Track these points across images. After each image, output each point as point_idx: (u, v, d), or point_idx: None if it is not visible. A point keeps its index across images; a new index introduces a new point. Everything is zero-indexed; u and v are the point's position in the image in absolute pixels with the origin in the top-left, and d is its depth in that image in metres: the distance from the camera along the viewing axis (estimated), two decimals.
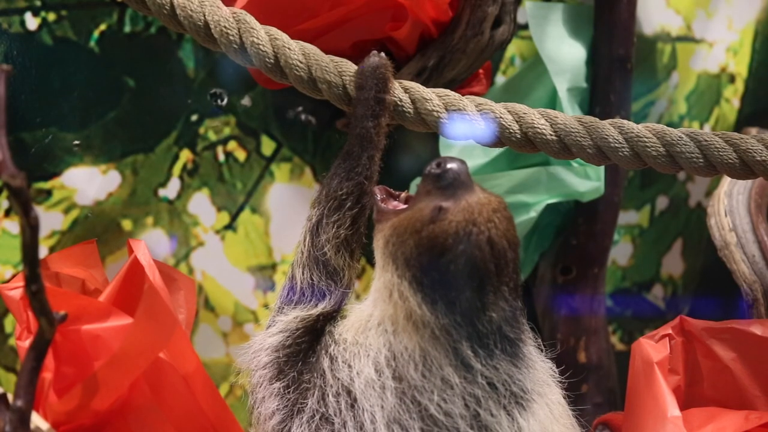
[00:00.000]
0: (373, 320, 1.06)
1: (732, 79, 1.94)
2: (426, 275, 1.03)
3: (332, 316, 1.13)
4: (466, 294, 1.01)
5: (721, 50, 1.92)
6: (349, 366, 1.04)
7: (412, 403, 1.00)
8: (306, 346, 1.09)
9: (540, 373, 1.07)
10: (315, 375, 1.06)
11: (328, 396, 1.04)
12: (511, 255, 1.04)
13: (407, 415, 1.00)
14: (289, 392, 1.08)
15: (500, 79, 1.74)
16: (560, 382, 1.12)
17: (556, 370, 1.12)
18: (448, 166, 1.07)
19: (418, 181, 1.61)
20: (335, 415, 1.03)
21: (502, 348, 1.02)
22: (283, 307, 1.14)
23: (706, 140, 1.17)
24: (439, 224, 1.03)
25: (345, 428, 1.03)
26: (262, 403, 1.10)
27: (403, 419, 1.00)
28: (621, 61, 1.65)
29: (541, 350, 1.11)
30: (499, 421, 1.01)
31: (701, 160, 1.17)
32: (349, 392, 1.03)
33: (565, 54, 1.62)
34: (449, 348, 1.01)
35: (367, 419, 1.01)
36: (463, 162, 1.08)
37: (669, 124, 1.21)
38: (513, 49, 1.75)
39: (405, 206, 1.11)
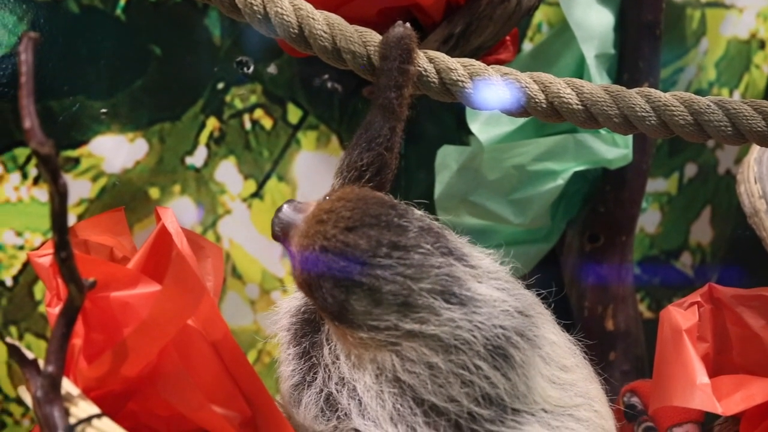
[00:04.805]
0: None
1: (762, 45, 1.92)
2: (331, 313, 1.02)
3: None
4: (357, 296, 0.99)
5: (752, 16, 1.90)
6: (348, 368, 1.04)
7: (414, 401, 0.99)
8: (318, 316, 1.10)
9: (513, 302, 1.03)
10: (321, 355, 1.07)
11: (332, 380, 1.05)
12: (353, 236, 1.00)
13: (409, 411, 0.99)
14: (302, 361, 1.09)
15: (527, 46, 1.73)
16: (588, 350, 1.11)
17: (538, 297, 1.09)
18: (273, 226, 1.09)
19: (444, 149, 1.61)
20: (339, 400, 1.04)
21: (444, 300, 0.99)
22: None
23: (735, 108, 1.16)
24: (296, 272, 1.05)
25: (350, 416, 1.03)
26: (282, 364, 1.12)
27: (407, 416, 0.99)
28: (650, 27, 1.63)
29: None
30: (494, 383, 0.98)
31: (730, 129, 1.16)
32: (352, 384, 1.04)
33: (592, 20, 1.61)
34: (409, 339, 0.98)
35: (370, 412, 1.01)
36: (280, 207, 1.09)
37: (698, 91, 1.20)
38: (540, 15, 1.73)
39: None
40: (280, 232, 1.09)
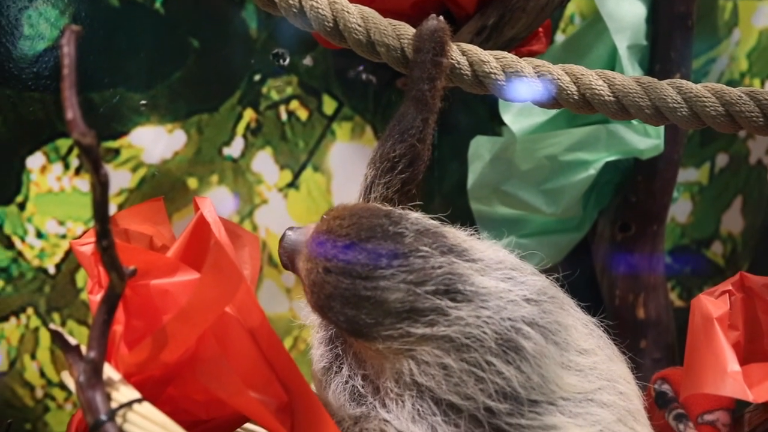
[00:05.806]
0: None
1: None
2: (346, 330, 1.03)
3: None
4: (366, 310, 1.00)
5: None
6: (371, 373, 1.06)
7: (432, 401, 0.99)
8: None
9: (520, 290, 1.02)
10: (346, 349, 1.09)
11: (357, 377, 1.06)
12: (352, 253, 1.02)
13: (429, 411, 0.99)
14: (328, 348, 1.11)
15: (560, 37, 1.74)
16: (618, 338, 1.09)
17: (553, 286, 1.06)
18: (280, 256, 1.12)
19: (477, 140, 1.62)
20: (364, 395, 1.05)
21: (450, 299, 0.99)
22: None
23: (766, 99, 1.16)
24: (307, 296, 1.07)
25: (375, 410, 1.04)
26: (314, 346, 1.14)
27: (427, 416, 1.00)
28: (682, 18, 1.63)
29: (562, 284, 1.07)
30: (507, 377, 0.97)
31: (761, 119, 1.16)
32: (375, 384, 1.05)
33: (625, 11, 1.61)
34: (423, 343, 0.99)
35: (392, 411, 1.03)
36: (283, 236, 1.11)
37: (730, 82, 1.20)
38: (573, 7, 1.74)
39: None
40: (287, 260, 1.11)
